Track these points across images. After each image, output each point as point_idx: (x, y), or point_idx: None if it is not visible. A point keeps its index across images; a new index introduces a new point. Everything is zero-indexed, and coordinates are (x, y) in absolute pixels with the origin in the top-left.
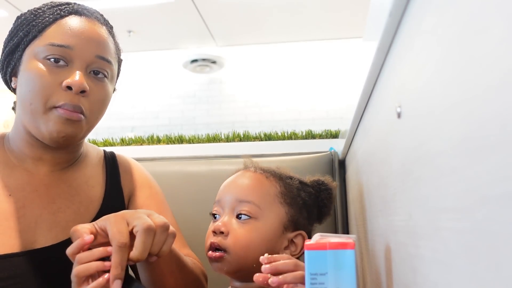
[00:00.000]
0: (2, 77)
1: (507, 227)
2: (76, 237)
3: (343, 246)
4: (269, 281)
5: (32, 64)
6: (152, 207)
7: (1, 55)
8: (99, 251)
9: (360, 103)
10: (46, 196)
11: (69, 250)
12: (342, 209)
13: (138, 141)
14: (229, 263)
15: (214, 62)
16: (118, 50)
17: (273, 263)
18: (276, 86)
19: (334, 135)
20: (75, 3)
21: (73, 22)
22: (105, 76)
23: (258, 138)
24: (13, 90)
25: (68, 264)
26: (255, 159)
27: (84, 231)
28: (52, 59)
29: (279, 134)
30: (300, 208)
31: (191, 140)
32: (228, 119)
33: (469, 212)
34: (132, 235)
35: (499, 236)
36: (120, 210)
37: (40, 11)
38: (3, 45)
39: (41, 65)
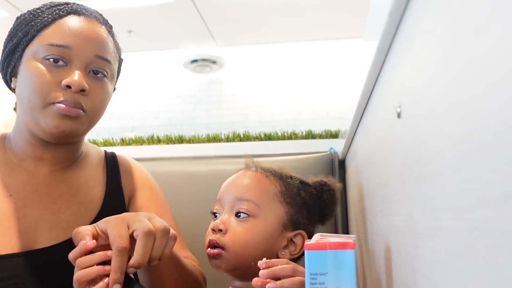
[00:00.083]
0: (2, 78)
1: (507, 227)
2: (78, 240)
3: (343, 246)
4: (267, 286)
5: (31, 64)
6: (152, 208)
7: (1, 56)
8: (99, 255)
9: (360, 103)
10: (47, 197)
11: (71, 255)
12: (342, 209)
13: (138, 141)
14: (227, 261)
15: (214, 62)
16: (118, 50)
17: (271, 268)
18: (276, 86)
19: (334, 135)
20: (74, 3)
21: (72, 22)
22: (105, 76)
23: (258, 138)
24: (14, 91)
25: (69, 265)
26: (255, 159)
27: (86, 233)
28: (51, 59)
29: (279, 134)
30: (300, 207)
31: (191, 140)
32: (228, 119)
33: (469, 212)
34: (132, 239)
35: (499, 236)
36: (120, 211)
37: (39, 11)
38: (3, 46)
39: (40, 65)
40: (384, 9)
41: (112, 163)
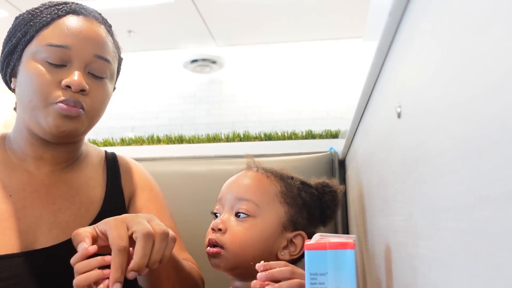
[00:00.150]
0: (2, 78)
1: (507, 227)
2: (77, 242)
3: (343, 246)
4: None
5: (31, 65)
6: (151, 209)
7: (0, 56)
8: (96, 260)
9: (360, 103)
10: (47, 197)
11: (72, 260)
12: (342, 209)
13: (138, 141)
14: (226, 259)
15: (214, 62)
16: (117, 49)
17: (269, 271)
18: (276, 86)
19: (334, 135)
20: (72, 3)
21: (70, 21)
22: (105, 76)
23: (258, 138)
24: (13, 91)
25: (68, 265)
26: (256, 159)
27: (85, 235)
28: (50, 60)
29: (279, 134)
30: (300, 208)
31: (191, 140)
32: (228, 119)
33: (469, 212)
34: (131, 241)
35: (499, 236)
36: (120, 212)
37: (38, 11)
38: (2, 46)
39: (39, 65)
40: (384, 9)
41: (112, 164)
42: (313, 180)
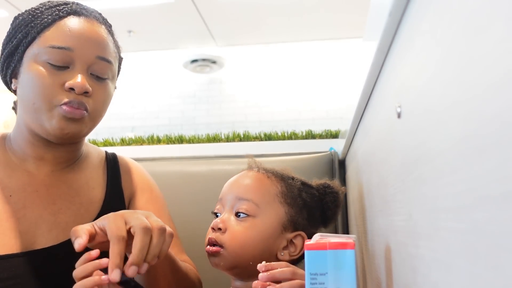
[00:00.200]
0: (2, 79)
1: (507, 227)
2: (75, 237)
3: (343, 246)
4: None
5: (33, 67)
6: (151, 211)
7: (1, 57)
8: (92, 265)
9: (360, 103)
10: (47, 197)
11: (77, 265)
12: (342, 209)
13: (138, 141)
14: (225, 258)
15: (214, 62)
16: (117, 48)
17: (271, 271)
18: (276, 86)
19: (334, 135)
20: (73, 3)
21: (72, 23)
22: (106, 76)
23: (258, 138)
24: (14, 91)
25: (68, 265)
26: (257, 160)
27: (83, 232)
28: (53, 62)
29: (279, 134)
30: (300, 208)
31: (191, 140)
32: (228, 119)
33: (469, 212)
34: (130, 236)
35: (499, 236)
36: None
37: (38, 11)
38: (2, 47)
39: (42, 67)
40: (384, 9)
41: (112, 164)
42: (314, 181)
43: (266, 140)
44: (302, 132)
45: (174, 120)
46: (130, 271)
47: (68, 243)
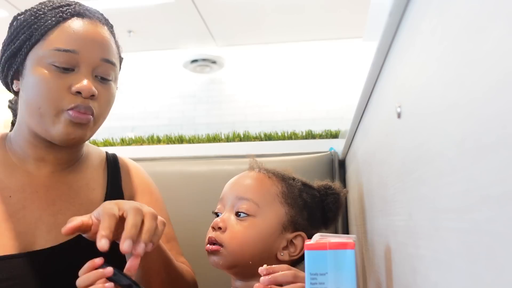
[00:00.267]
0: (2, 79)
1: (507, 227)
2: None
3: (343, 246)
4: None
5: (38, 70)
6: None
7: (1, 58)
8: (95, 274)
9: (360, 103)
10: (46, 198)
11: (81, 273)
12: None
13: (138, 141)
14: (224, 257)
15: (214, 62)
16: (118, 49)
17: (272, 275)
18: (276, 86)
19: (334, 135)
20: (75, 4)
21: (76, 25)
22: (110, 78)
23: (258, 138)
24: (14, 92)
25: (67, 266)
26: (258, 160)
27: (77, 220)
28: (58, 64)
29: (279, 134)
30: (301, 209)
31: (191, 140)
32: (228, 119)
33: (469, 212)
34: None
35: (499, 236)
36: None
37: (41, 12)
38: (2, 47)
39: (47, 71)
40: (384, 9)
41: (113, 165)
42: (316, 182)
43: (266, 140)
44: (302, 132)
45: (174, 120)
46: (125, 245)
47: (68, 244)
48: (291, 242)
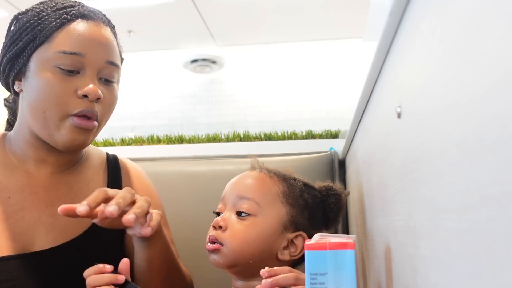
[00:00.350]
0: (2, 80)
1: (507, 227)
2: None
3: (343, 246)
4: None
5: (43, 72)
6: None
7: (2, 58)
8: (108, 277)
9: (360, 103)
10: (46, 199)
11: (86, 273)
12: None
13: (138, 141)
14: (225, 256)
15: (214, 62)
16: (120, 50)
17: (274, 277)
18: (276, 86)
19: (334, 135)
20: (79, 5)
21: (81, 27)
22: (114, 80)
23: (258, 138)
24: (15, 93)
25: (66, 268)
26: (259, 160)
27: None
28: (63, 67)
29: (279, 134)
30: (301, 209)
31: (191, 140)
32: (228, 119)
33: (469, 212)
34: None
35: (499, 236)
36: None
37: (44, 13)
38: (3, 47)
39: (52, 73)
40: (384, 9)
41: (113, 166)
42: (317, 183)
43: (266, 140)
44: (302, 132)
45: (174, 120)
46: (111, 207)
47: (66, 246)
48: (291, 242)
